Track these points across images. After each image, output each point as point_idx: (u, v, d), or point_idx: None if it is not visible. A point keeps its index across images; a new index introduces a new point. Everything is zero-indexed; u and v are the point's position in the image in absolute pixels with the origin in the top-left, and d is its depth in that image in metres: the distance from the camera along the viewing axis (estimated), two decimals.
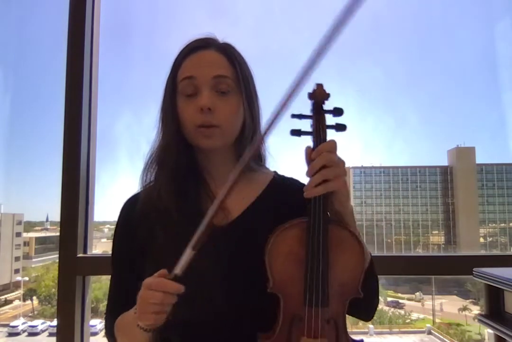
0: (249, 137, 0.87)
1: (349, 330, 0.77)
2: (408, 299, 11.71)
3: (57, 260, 1.52)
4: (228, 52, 0.86)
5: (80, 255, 1.52)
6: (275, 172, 0.95)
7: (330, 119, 0.78)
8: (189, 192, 0.84)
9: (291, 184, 0.93)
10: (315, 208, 0.74)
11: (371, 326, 9.96)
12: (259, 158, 0.93)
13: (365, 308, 0.86)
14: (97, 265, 1.51)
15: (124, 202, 0.92)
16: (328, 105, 0.78)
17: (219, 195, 0.70)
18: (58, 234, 1.54)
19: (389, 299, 11.21)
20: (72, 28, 1.60)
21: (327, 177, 0.73)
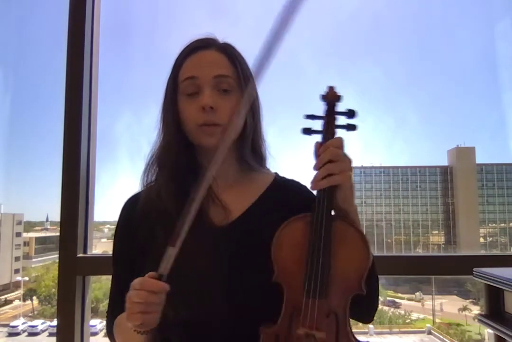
0: (249, 136, 0.88)
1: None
2: (408, 299, 11.71)
3: (57, 260, 1.52)
4: (229, 52, 0.86)
5: (80, 255, 1.52)
6: (276, 173, 0.95)
7: (342, 120, 0.80)
8: (190, 192, 0.84)
9: (291, 186, 0.93)
10: (319, 201, 0.75)
11: (371, 326, 9.96)
12: (260, 158, 0.93)
13: (366, 308, 0.85)
14: (97, 265, 1.51)
15: (124, 202, 0.92)
16: (342, 107, 0.80)
17: (208, 172, 0.70)
18: (58, 234, 1.54)
19: (388, 298, 11.21)
20: (72, 28, 1.60)
21: (332, 171, 0.74)
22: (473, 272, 1.22)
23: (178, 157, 0.85)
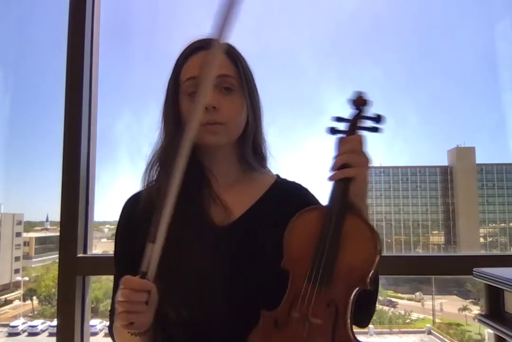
0: (251, 135, 0.88)
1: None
2: (408, 299, 11.71)
3: (57, 260, 1.52)
4: (230, 52, 0.87)
5: (80, 255, 1.52)
6: (277, 175, 0.95)
7: (367, 123, 0.82)
8: (192, 192, 0.84)
9: (293, 188, 0.94)
10: (333, 193, 0.76)
11: (371, 326, 9.96)
12: (261, 158, 0.93)
13: (366, 308, 0.86)
14: (97, 265, 1.51)
15: (125, 201, 0.92)
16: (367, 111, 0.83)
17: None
18: (58, 234, 1.54)
19: (387, 298, 11.20)
20: (72, 28, 1.60)
21: (348, 161, 0.75)
22: (473, 272, 1.22)
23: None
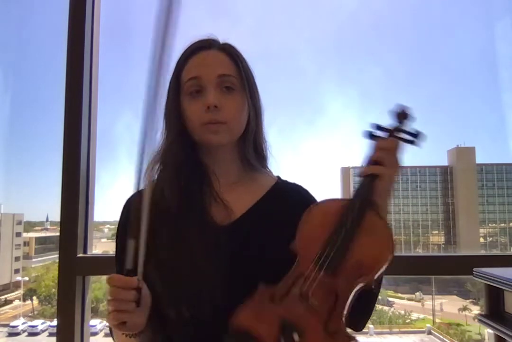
0: (252, 134, 0.89)
1: (348, 330, 0.77)
2: (408, 299, 11.71)
3: (57, 260, 1.51)
4: (230, 52, 0.88)
5: (80, 255, 1.52)
6: (278, 177, 0.95)
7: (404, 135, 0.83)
8: (193, 191, 0.84)
9: (294, 189, 0.94)
10: (359, 187, 0.78)
11: (371, 326, 9.96)
12: (261, 158, 0.93)
13: (365, 308, 0.86)
14: (97, 265, 1.51)
15: (126, 200, 0.92)
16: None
17: None
18: (58, 234, 1.54)
19: (387, 298, 11.20)
20: (72, 28, 1.60)
21: (381, 160, 0.77)
22: (473, 272, 1.22)
23: (181, 156, 0.85)
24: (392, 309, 11.16)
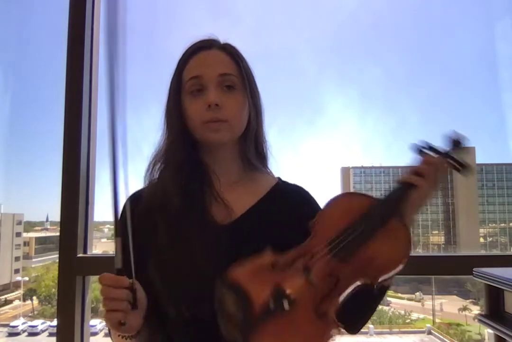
0: (253, 133, 0.89)
1: (342, 330, 0.77)
2: (408, 299, 11.71)
3: (57, 260, 1.51)
4: (231, 52, 0.88)
5: (80, 255, 1.52)
6: (279, 178, 0.96)
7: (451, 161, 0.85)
8: (194, 190, 0.85)
9: (295, 190, 0.94)
10: (393, 192, 0.78)
11: (371, 326, 9.97)
12: (262, 158, 0.93)
13: (363, 309, 0.86)
14: (97, 265, 1.50)
15: (126, 199, 0.92)
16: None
17: None
18: (58, 234, 1.54)
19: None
20: (72, 28, 1.60)
21: (423, 173, 0.78)
22: (473, 272, 1.22)
23: (183, 155, 0.85)
24: (392, 309, 11.15)
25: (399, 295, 11.68)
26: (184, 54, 0.89)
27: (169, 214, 0.82)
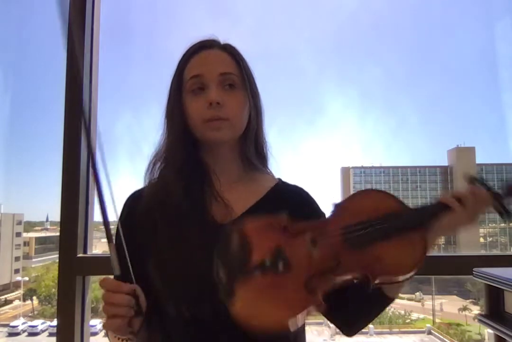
0: (253, 133, 0.89)
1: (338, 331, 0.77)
2: (408, 299, 11.72)
3: (57, 260, 1.51)
4: (231, 51, 0.89)
5: (80, 255, 1.52)
6: (279, 179, 0.96)
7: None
8: (194, 190, 0.85)
9: (294, 191, 0.94)
10: (428, 207, 0.77)
11: (371, 326, 9.97)
12: (262, 158, 0.93)
13: (362, 308, 0.86)
14: (97, 265, 1.50)
15: (127, 197, 0.93)
16: None
17: None
18: (58, 234, 1.54)
19: None
20: (72, 28, 1.60)
21: (465, 200, 0.76)
22: (473, 272, 1.22)
23: (183, 154, 0.86)
24: (392, 309, 11.16)
25: (399, 295, 11.68)
26: (185, 54, 0.89)
27: (169, 213, 0.82)
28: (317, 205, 0.94)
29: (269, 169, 0.96)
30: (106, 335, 0.87)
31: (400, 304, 11.48)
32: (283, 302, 0.68)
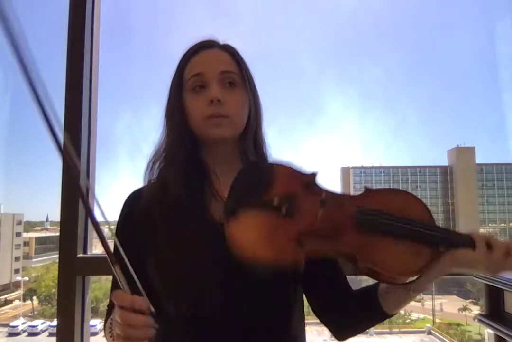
0: (253, 132, 0.90)
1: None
2: None
3: (57, 260, 1.51)
4: (231, 51, 0.90)
5: (80, 255, 1.52)
6: None
7: None
8: (195, 190, 0.85)
9: None
10: (458, 231, 0.75)
11: None
12: (261, 157, 0.93)
13: (354, 317, 0.86)
14: (97, 265, 1.50)
15: (126, 197, 0.93)
16: None
17: None
18: (58, 234, 1.54)
19: None
20: (72, 28, 1.60)
21: (495, 245, 0.72)
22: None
23: (184, 154, 0.86)
24: None
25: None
26: (185, 54, 0.89)
27: (169, 213, 0.82)
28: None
29: None
30: (104, 328, 0.87)
31: None
32: (270, 243, 0.71)
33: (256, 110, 0.90)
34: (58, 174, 1.57)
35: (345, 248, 0.73)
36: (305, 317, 0.89)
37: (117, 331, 0.66)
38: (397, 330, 10.87)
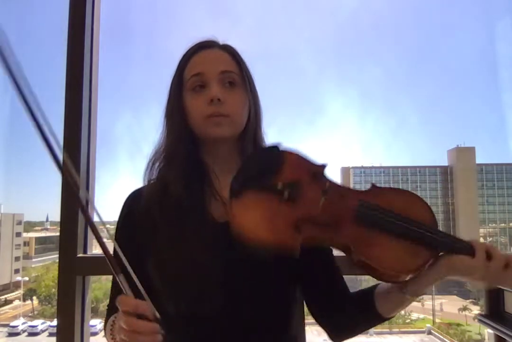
0: (252, 132, 0.90)
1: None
2: None
3: (57, 260, 1.51)
4: (231, 51, 0.90)
5: (80, 255, 1.52)
6: None
7: None
8: (195, 189, 0.85)
9: None
10: (458, 238, 0.75)
11: None
12: None
13: (362, 320, 0.86)
14: (97, 265, 1.50)
15: (126, 197, 0.93)
16: None
17: None
18: (58, 234, 1.54)
19: None
20: (72, 28, 1.60)
21: (495, 255, 0.71)
22: None
23: (183, 153, 0.86)
24: None
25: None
26: (185, 54, 0.90)
27: (169, 212, 0.82)
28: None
29: None
30: (104, 328, 0.87)
31: None
32: (270, 225, 0.72)
33: (255, 110, 0.91)
34: (58, 174, 1.57)
35: (341, 239, 0.74)
36: (305, 317, 0.89)
37: (122, 337, 0.65)
38: (397, 330, 10.86)
